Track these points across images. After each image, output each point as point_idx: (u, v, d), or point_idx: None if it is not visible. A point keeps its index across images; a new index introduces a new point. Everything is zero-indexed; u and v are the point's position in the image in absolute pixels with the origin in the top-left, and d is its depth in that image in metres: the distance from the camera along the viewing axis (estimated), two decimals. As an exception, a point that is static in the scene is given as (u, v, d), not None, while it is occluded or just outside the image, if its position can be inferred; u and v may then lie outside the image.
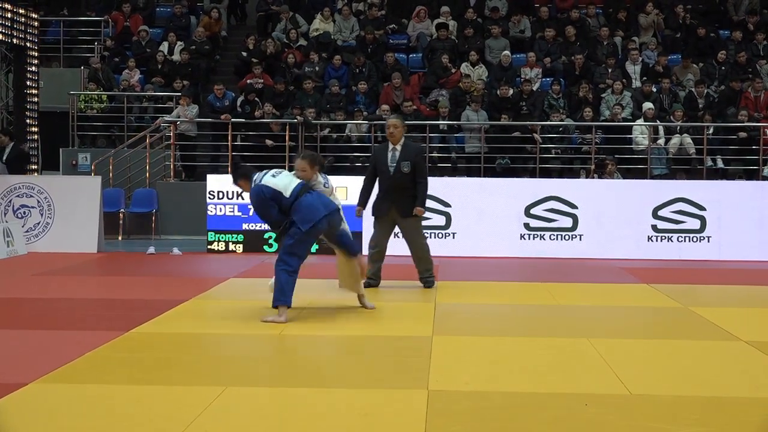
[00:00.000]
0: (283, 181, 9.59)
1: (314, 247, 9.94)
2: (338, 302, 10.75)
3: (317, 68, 20.96)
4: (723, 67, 20.96)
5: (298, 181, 9.67)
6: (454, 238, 15.95)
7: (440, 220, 16.00)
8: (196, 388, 6.85)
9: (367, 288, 10.91)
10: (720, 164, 18.71)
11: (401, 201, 11.77)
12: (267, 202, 9.45)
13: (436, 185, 16.07)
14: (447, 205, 16.05)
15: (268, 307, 9.63)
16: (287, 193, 9.46)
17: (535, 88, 20.20)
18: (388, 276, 12.48)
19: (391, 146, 11.88)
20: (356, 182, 15.90)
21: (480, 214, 15.82)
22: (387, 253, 12.08)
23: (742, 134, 18.46)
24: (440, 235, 15.98)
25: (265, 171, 9.85)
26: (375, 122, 18.76)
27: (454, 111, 19.42)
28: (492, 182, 16.52)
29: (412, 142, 12.27)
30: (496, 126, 18.89)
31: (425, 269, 11.96)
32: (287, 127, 18.74)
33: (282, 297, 9.42)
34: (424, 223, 15.90)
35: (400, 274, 13.10)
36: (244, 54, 21.80)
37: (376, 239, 12.07)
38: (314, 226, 9.46)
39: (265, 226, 15.71)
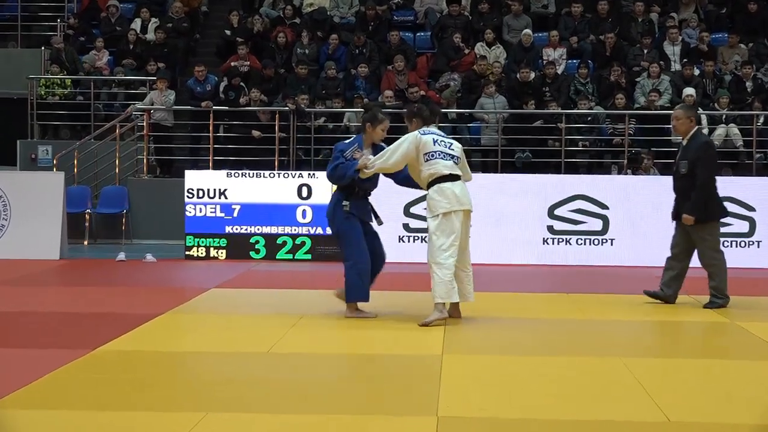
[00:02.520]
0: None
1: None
2: (335, 316, 10.74)
3: (308, 51, 20.94)
4: (775, 47, 20.98)
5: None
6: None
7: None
8: (172, 415, 6.84)
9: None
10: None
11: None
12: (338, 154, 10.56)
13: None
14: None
15: (254, 319, 9.62)
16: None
17: (559, 72, 20.20)
18: (394, 285, 12.48)
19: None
20: (355, 179, 15.92)
21: (497, 215, 15.81)
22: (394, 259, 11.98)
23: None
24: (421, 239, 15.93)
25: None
26: (377, 110, 18.76)
27: (467, 98, 19.42)
28: (511, 179, 16.51)
29: (703, 137, 12.17)
30: (516, 115, 18.88)
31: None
32: (277, 115, 18.75)
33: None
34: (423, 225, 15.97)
35: (406, 283, 13.11)
36: (228, 32, 21.81)
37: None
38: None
39: (251, 229, 15.79)
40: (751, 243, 15.88)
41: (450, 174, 10.23)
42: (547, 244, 15.82)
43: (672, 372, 8.31)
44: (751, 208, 15.91)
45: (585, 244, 15.88)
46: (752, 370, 8.46)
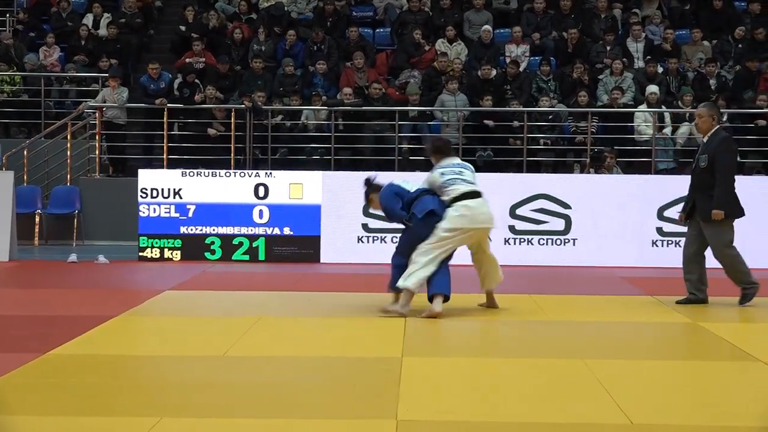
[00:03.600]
0: (409, 185, 11.23)
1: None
2: (292, 317, 10.73)
3: (264, 47, 20.90)
4: (739, 45, 21.11)
5: (475, 186, 11.11)
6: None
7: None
8: (125, 419, 6.81)
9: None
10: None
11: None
12: (392, 196, 11.16)
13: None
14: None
15: (210, 322, 9.58)
16: (412, 190, 11.13)
17: (521, 69, 20.26)
18: (354, 287, 12.49)
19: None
20: (313, 178, 15.96)
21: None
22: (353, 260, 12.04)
23: (761, 122, 18.59)
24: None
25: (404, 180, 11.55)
26: (335, 108, 18.76)
27: (427, 95, 19.44)
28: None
29: (723, 133, 12.26)
30: (477, 112, 18.93)
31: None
32: (233, 113, 18.71)
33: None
34: (390, 225, 16.02)
35: (366, 284, 13.13)
36: (183, 28, 21.75)
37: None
38: (429, 215, 10.83)
39: (207, 230, 15.75)
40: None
41: (471, 191, 11.06)
42: (509, 244, 15.86)
43: (634, 374, 8.34)
44: (714, 207, 16.02)
45: (547, 244, 15.94)
46: (715, 371, 8.52)
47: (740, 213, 11.93)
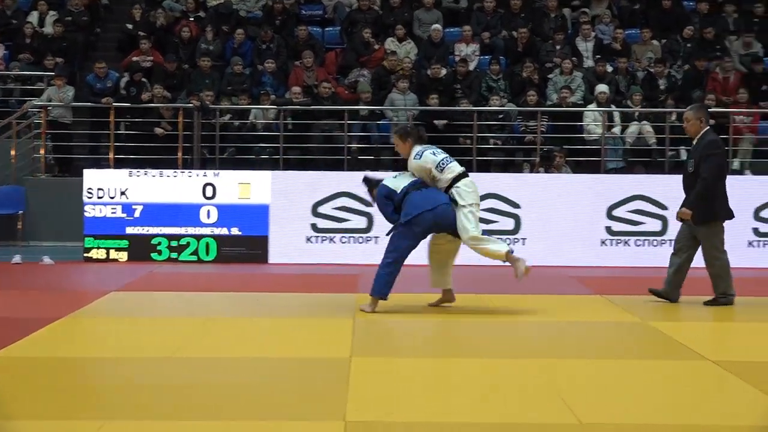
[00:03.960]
0: (399, 181, 11.34)
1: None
2: (241, 318, 10.70)
3: (212, 46, 20.82)
4: (688, 44, 21.27)
5: (413, 179, 11.28)
6: (376, 243, 15.96)
7: (361, 222, 16.02)
8: (69, 423, 6.76)
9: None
10: (684, 156, 18.93)
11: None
12: (383, 200, 11.37)
13: (356, 182, 16.12)
14: (368, 204, 16.05)
15: (157, 323, 9.54)
16: (399, 189, 11.24)
17: (471, 68, 20.29)
18: (304, 287, 12.46)
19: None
20: (262, 178, 15.92)
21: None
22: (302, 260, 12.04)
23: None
24: (361, 240, 16.01)
25: (394, 174, 11.71)
26: (284, 107, 18.71)
27: (377, 94, 19.44)
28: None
29: (711, 135, 12.27)
30: (426, 112, 18.93)
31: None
32: (180, 112, 18.61)
33: (376, 288, 11.12)
34: (340, 225, 16.04)
35: (317, 284, 13.12)
36: (130, 26, 21.60)
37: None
38: (413, 219, 11.04)
39: (153, 230, 15.68)
40: (663, 242, 16.10)
41: (465, 171, 11.37)
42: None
43: (584, 373, 8.39)
44: (663, 207, 16.13)
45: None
46: (664, 369, 8.58)
47: (729, 215, 12.03)
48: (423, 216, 11.04)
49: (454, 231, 11.15)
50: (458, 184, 11.14)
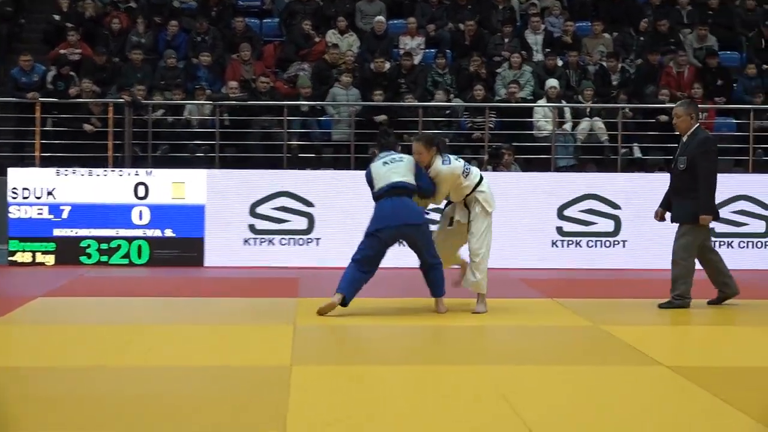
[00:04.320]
0: (384, 171, 11.52)
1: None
2: (174, 324, 10.64)
3: (144, 39, 20.69)
4: (641, 38, 21.40)
5: (397, 178, 11.43)
6: (318, 244, 15.96)
7: (301, 223, 15.99)
8: (-9, 437, 6.68)
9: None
10: (637, 153, 19.06)
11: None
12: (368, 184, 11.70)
13: (296, 181, 16.13)
14: (309, 204, 16.05)
15: (86, 331, 9.45)
16: (375, 188, 11.56)
17: (416, 62, 20.31)
18: (243, 291, 12.40)
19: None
20: (197, 177, 15.84)
21: (350, 215, 15.84)
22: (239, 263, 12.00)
23: (663, 118, 18.82)
24: (300, 242, 15.97)
25: (387, 153, 11.77)
26: (220, 103, 18.62)
27: (317, 89, 19.39)
28: (364, 176, 16.51)
29: (703, 132, 12.38)
30: (369, 107, 18.91)
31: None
32: (111, 108, 18.47)
33: (340, 283, 11.34)
34: (279, 226, 15.98)
35: (258, 288, 13.07)
36: (57, 17, 21.41)
37: None
38: (374, 233, 11.39)
39: (82, 232, 15.54)
40: (616, 243, 16.20)
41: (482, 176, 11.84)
42: (403, 244, 15.84)
43: (533, 380, 8.40)
44: (616, 206, 16.24)
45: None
46: (617, 375, 8.61)
47: (716, 216, 12.14)
48: (386, 230, 11.38)
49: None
50: (481, 188, 11.64)
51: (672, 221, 12.24)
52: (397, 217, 11.36)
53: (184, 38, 20.77)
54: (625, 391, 8.14)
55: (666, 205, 12.36)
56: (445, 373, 8.58)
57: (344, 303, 11.27)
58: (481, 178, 11.70)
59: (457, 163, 11.62)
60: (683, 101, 12.94)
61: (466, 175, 11.58)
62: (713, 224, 12.47)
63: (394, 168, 11.50)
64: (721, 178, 16.32)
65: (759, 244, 16.41)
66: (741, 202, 16.43)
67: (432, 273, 11.64)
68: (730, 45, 22.09)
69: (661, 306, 12.04)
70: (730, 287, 12.24)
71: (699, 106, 18.31)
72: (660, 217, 12.46)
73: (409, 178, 11.48)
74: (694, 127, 12.12)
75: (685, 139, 12.14)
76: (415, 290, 12.47)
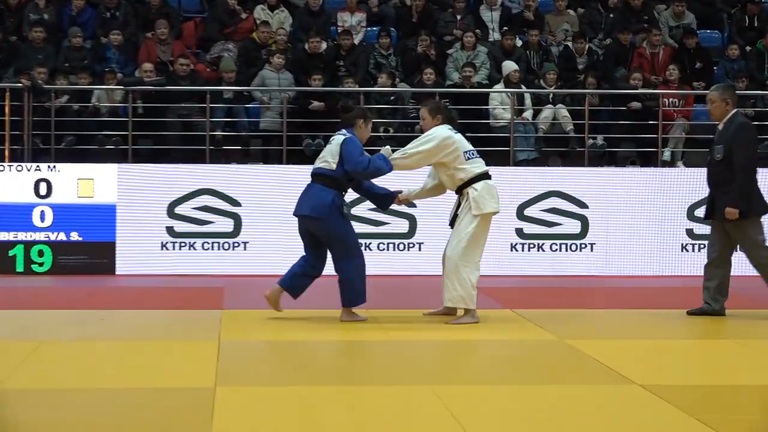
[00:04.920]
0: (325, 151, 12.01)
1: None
2: (82, 341, 10.60)
3: (46, 15, 20.58)
4: (611, 14, 21.52)
5: (317, 164, 11.92)
6: (245, 249, 15.95)
7: (226, 225, 15.97)
8: None
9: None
10: (606, 145, 19.13)
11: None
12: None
13: (221, 176, 16.09)
14: (235, 203, 16.03)
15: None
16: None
17: (357, 41, 20.32)
18: (159, 303, 12.36)
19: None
20: (107, 172, 15.77)
21: (281, 215, 15.82)
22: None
23: (635, 105, 18.94)
24: (226, 246, 15.95)
25: (340, 131, 12.12)
26: (134, 88, 18.54)
27: (244, 72, 19.36)
28: (297, 171, 16.53)
29: (740, 118, 12.46)
30: (304, 93, 18.89)
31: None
32: (7, 94, 18.34)
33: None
34: (202, 229, 15.94)
35: (180, 299, 13.05)
36: (-58, -10, 21.26)
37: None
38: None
39: None
40: (583, 246, 16.30)
41: (487, 172, 11.84)
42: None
43: (490, 401, 8.42)
44: (583, 205, 16.34)
45: (388, 249, 16.06)
46: (585, 396, 8.66)
47: (765, 209, 12.22)
48: (299, 219, 11.96)
49: None
50: (477, 185, 11.66)
51: (717, 219, 12.26)
52: (300, 206, 11.84)
53: (91, 14, 20.66)
54: (593, 412, 8.18)
55: (709, 207, 12.46)
56: (388, 394, 8.58)
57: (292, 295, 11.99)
58: (484, 175, 11.73)
59: (464, 141, 11.74)
60: (718, 85, 13.10)
61: (468, 159, 11.66)
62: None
63: (324, 151, 11.89)
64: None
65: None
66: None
67: (339, 279, 11.92)
68: (710, 23, 22.29)
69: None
70: (717, 306, 12.35)
71: (674, 92, 18.59)
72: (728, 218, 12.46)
73: (329, 164, 11.70)
74: (731, 113, 12.25)
75: (720, 126, 12.29)
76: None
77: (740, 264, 12.78)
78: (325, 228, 11.67)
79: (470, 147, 11.79)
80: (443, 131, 11.69)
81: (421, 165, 11.91)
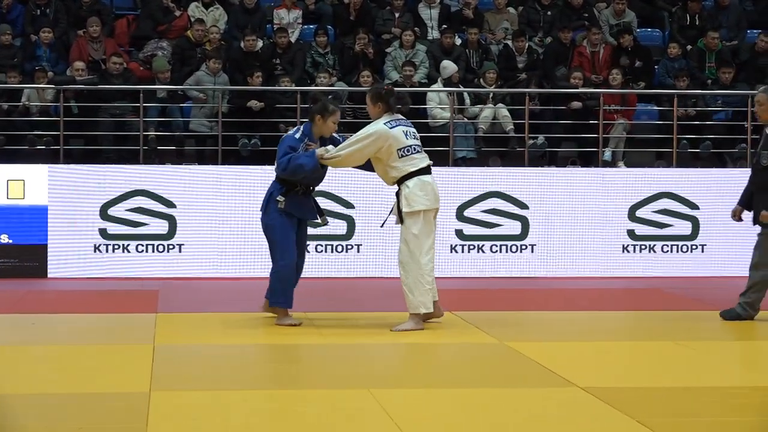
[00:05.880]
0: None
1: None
2: (12, 345, 10.55)
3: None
4: (549, 12, 21.61)
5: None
6: (180, 251, 15.90)
7: (161, 227, 15.91)
8: None
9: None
10: (546, 144, 19.20)
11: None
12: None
13: (155, 177, 16.02)
14: (170, 204, 15.98)
15: None
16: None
17: (293, 39, 20.30)
18: (93, 306, 12.31)
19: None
20: (37, 173, 15.68)
21: (215, 216, 15.83)
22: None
23: (576, 104, 19.04)
24: (160, 248, 15.89)
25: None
26: (65, 87, 18.44)
27: (179, 71, 19.29)
28: (233, 172, 16.53)
29: None
30: (240, 92, 18.82)
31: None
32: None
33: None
34: (136, 231, 15.86)
35: (113, 302, 13.01)
36: None
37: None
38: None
39: None
40: (523, 247, 16.37)
41: (427, 166, 11.71)
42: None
43: (430, 405, 8.45)
44: (523, 205, 16.41)
45: (326, 251, 16.05)
46: (527, 399, 8.70)
47: None
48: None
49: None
50: (409, 182, 11.54)
51: (753, 223, 12.31)
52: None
53: (20, 11, 20.53)
54: (534, 416, 8.22)
55: (745, 202, 12.43)
56: (324, 397, 8.59)
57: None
58: (419, 172, 11.56)
59: (399, 131, 11.56)
60: (766, 87, 12.83)
61: (400, 157, 11.52)
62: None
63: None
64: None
65: (684, 248, 16.68)
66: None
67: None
68: (651, 21, 22.45)
69: (722, 315, 12.25)
70: (750, 310, 12.33)
71: (614, 91, 18.67)
72: (737, 217, 12.50)
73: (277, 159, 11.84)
74: None
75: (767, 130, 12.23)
76: (300, 304, 12.51)
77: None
78: (265, 225, 11.89)
79: (408, 142, 11.56)
80: (378, 127, 11.57)
81: (357, 162, 11.82)
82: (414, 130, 11.83)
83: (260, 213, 12.02)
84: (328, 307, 13.13)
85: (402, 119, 11.81)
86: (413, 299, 11.56)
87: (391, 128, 11.56)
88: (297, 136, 11.90)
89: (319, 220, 12.28)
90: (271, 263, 11.89)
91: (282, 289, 11.82)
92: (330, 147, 11.81)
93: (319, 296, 13.94)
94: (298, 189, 11.87)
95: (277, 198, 11.80)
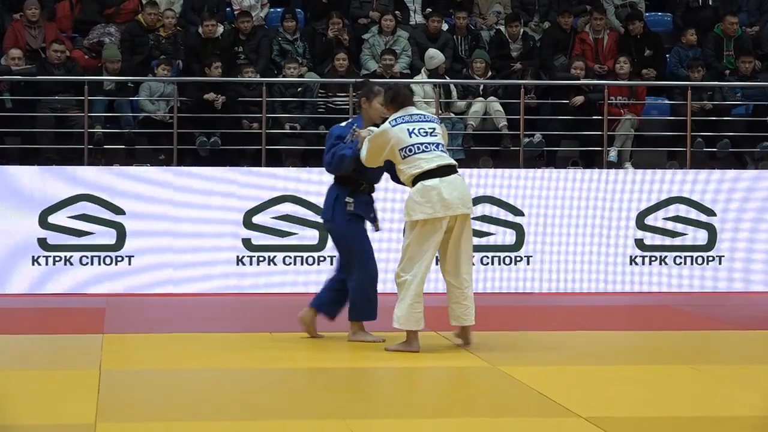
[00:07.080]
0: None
1: None
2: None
3: None
4: (547, -5, 21.67)
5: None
6: (129, 263, 15.88)
7: (108, 236, 15.88)
8: None
9: None
10: (543, 143, 19.23)
11: None
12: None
13: (101, 180, 15.98)
14: (118, 211, 15.94)
15: None
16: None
17: (257, 24, 20.29)
18: (31, 327, 12.28)
19: None
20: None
21: (170, 225, 15.80)
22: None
23: (578, 100, 19.04)
24: (107, 260, 15.86)
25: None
26: (1, 78, 18.43)
27: (129, 60, 19.28)
28: (189, 173, 16.50)
29: None
30: (198, 84, 18.79)
31: None
32: None
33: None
34: (80, 241, 15.81)
35: (58, 322, 12.98)
36: None
37: None
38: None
39: None
40: (518, 259, 16.37)
41: (438, 167, 11.49)
42: (244, 263, 15.90)
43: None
44: (518, 212, 16.40)
45: (295, 263, 16.03)
46: (518, 430, 8.72)
47: None
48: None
49: None
50: (415, 188, 11.46)
51: None
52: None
53: (-50, -5, 20.55)
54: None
55: None
56: (294, 429, 8.61)
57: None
58: (426, 175, 11.45)
59: (402, 129, 11.52)
60: None
61: (404, 158, 11.50)
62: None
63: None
64: (649, 175, 16.62)
65: (699, 260, 16.68)
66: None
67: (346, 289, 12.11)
68: (661, 4, 22.46)
69: None
70: None
71: (620, 83, 18.68)
72: None
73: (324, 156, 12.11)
74: None
75: None
76: (255, 322, 12.51)
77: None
78: (331, 230, 12.15)
79: (411, 141, 11.44)
80: (381, 129, 11.61)
81: (375, 163, 11.77)
82: (428, 125, 11.69)
83: (324, 221, 12.37)
84: (292, 327, 13.06)
85: (414, 113, 11.77)
86: (401, 314, 11.63)
87: (393, 126, 11.56)
88: (343, 124, 12.15)
89: (373, 226, 12.31)
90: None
91: (368, 302, 12.03)
92: (373, 128, 11.79)
93: (289, 313, 13.88)
94: (364, 187, 12.02)
95: (346, 200, 11.94)
